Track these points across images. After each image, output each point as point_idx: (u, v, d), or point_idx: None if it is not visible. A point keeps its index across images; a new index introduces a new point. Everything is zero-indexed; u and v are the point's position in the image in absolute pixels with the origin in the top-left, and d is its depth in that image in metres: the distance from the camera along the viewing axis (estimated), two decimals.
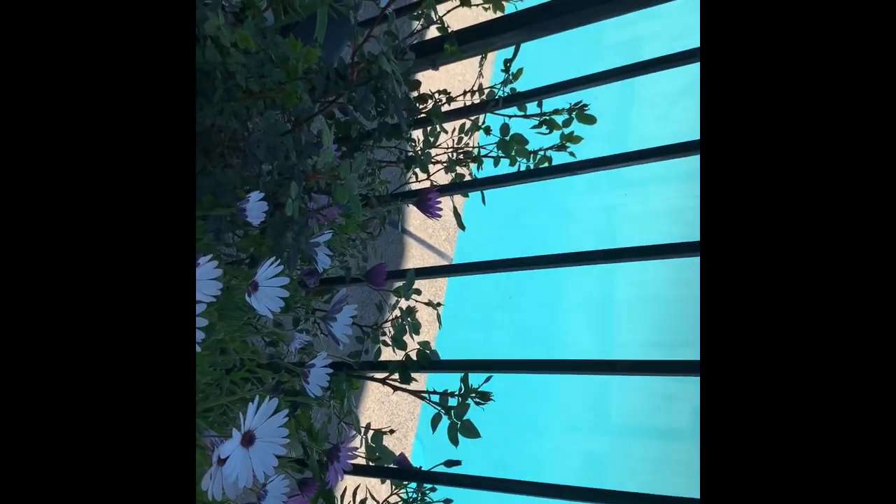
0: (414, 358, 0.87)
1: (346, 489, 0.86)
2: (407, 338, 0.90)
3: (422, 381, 1.23)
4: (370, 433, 0.89)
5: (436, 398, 0.82)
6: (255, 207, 0.66)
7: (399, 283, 0.92)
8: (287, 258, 0.75)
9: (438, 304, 1.01)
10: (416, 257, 1.94)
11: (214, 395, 0.68)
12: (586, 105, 0.92)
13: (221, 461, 0.56)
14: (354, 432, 0.88)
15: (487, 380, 0.81)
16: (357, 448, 0.77)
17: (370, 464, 0.87)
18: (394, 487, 0.84)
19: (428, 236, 2.00)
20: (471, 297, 2.64)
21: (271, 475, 0.59)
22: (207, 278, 0.60)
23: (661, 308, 2.95)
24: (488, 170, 1.05)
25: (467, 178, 1.05)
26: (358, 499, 0.84)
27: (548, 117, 0.94)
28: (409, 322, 0.87)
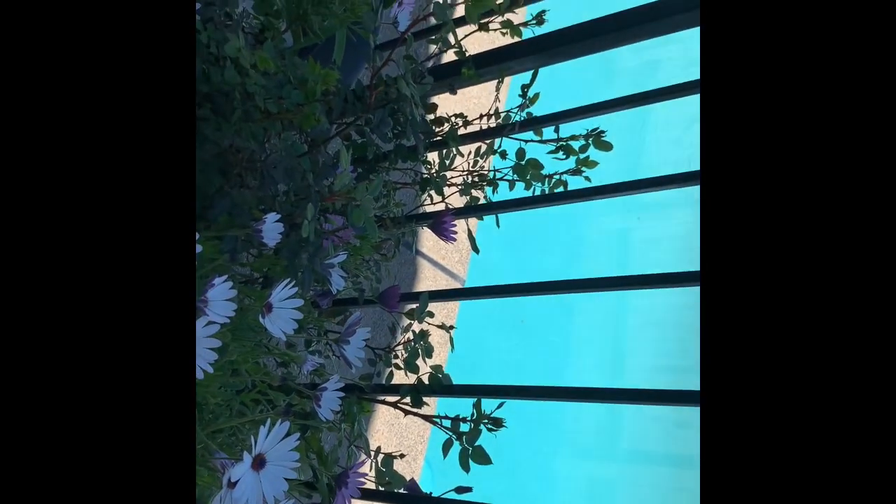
0: (426, 382, 0.87)
1: None
2: (419, 361, 0.89)
3: (432, 404, 1.21)
4: (380, 457, 0.88)
5: (447, 423, 0.82)
6: (271, 229, 0.66)
7: (412, 306, 0.92)
8: (301, 279, 0.74)
9: (451, 327, 1.00)
10: (428, 278, 1.93)
11: (225, 417, 0.68)
12: (603, 131, 0.92)
13: (232, 484, 0.55)
14: (364, 456, 0.87)
15: (500, 406, 0.80)
16: (367, 473, 0.76)
17: (380, 488, 0.86)
18: None
19: (441, 258, 2.00)
20: (482, 320, 2.63)
21: (281, 499, 0.58)
22: (222, 299, 0.60)
23: (673, 332, 2.93)
24: (503, 193, 1.05)
25: (482, 201, 1.05)
26: None
27: (564, 143, 0.94)
28: (421, 346, 0.87)
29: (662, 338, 3.04)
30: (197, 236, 0.59)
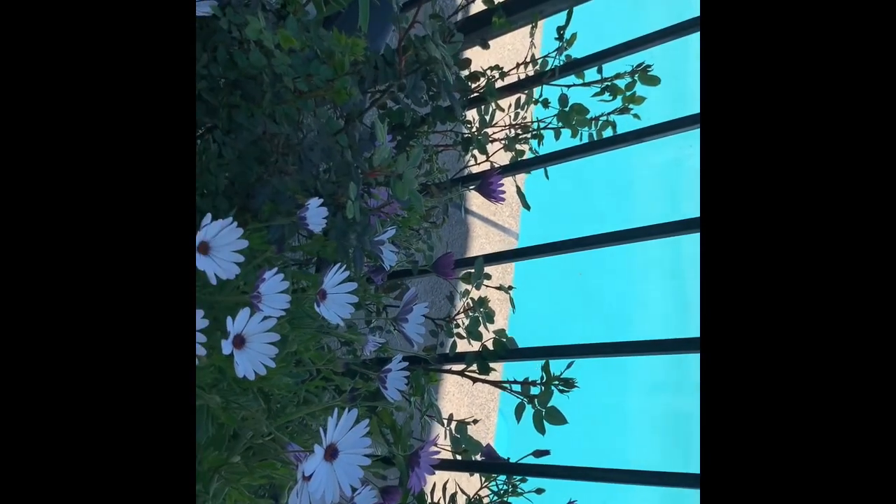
0: (490, 347, 0.85)
1: (434, 484, 0.85)
2: (481, 328, 0.87)
3: (499, 366, 1.19)
4: (453, 424, 0.87)
5: (517, 388, 0.80)
6: (314, 214, 0.65)
7: (468, 270, 0.90)
8: (353, 259, 0.73)
9: (510, 288, 0.98)
10: (480, 236, 1.91)
11: (292, 406, 0.67)
12: (649, 65, 0.86)
13: (306, 478, 0.55)
14: (438, 425, 0.87)
15: (569, 366, 0.78)
16: (439, 450, 0.75)
17: (457, 457, 0.85)
18: (483, 480, 0.83)
19: (491, 213, 1.96)
20: (540, 276, 2.59)
21: (357, 487, 0.58)
22: (275, 292, 0.59)
23: None
24: (549, 142, 1.01)
25: (528, 154, 1.02)
26: (448, 494, 0.83)
27: (610, 82, 0.89)
28: (482, 313, 0.85)
29: None
30: (242, 230, 0.58)
